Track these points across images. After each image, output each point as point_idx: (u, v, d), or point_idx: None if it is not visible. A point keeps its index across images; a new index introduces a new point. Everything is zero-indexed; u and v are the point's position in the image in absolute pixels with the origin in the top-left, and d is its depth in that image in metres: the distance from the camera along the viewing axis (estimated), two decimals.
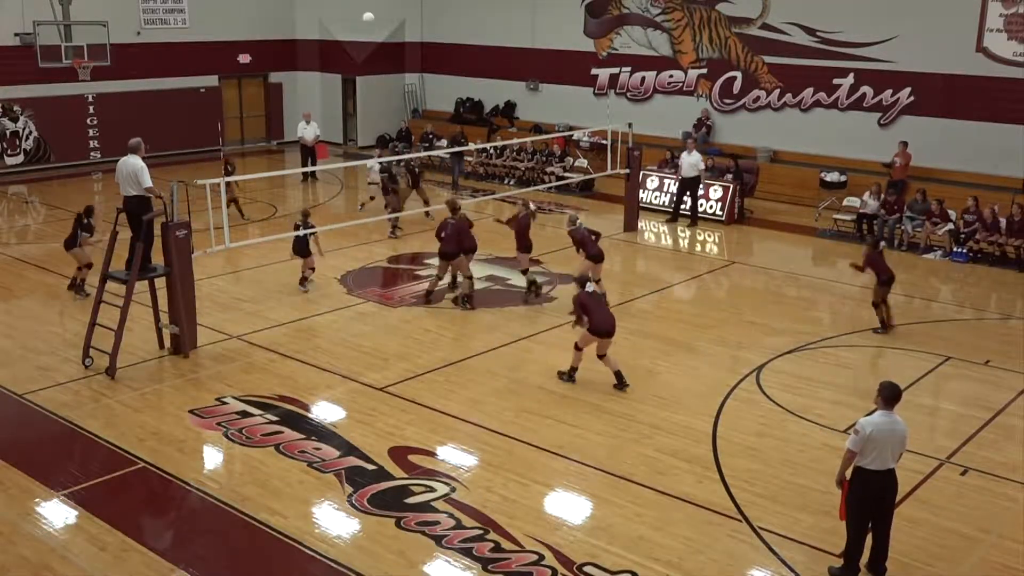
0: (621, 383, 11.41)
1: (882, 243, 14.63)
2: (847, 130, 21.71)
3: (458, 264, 14.43)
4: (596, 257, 13.98)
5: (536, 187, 22.70)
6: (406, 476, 9.36)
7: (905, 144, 19.98)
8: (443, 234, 14.21)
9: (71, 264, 14.79)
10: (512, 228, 15.00)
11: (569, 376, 11.60)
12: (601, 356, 11.37)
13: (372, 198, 20.44)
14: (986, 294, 16.20)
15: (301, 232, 14.83)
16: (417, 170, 19.85)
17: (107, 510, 8.68)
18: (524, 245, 14.75)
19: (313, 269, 15.23)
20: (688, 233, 19.80)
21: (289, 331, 13.38)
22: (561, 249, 16.96)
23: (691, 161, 19.96)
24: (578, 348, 11.45)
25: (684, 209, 20.35)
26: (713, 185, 20.62)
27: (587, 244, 14.03)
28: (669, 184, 21.13)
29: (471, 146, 21.73)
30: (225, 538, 8.43)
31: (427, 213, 19.47)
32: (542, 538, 8.29)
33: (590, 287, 11.49)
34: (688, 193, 20.15)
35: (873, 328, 13.62)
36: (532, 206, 15.15)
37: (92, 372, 11.75)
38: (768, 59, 22.86)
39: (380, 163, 18.75)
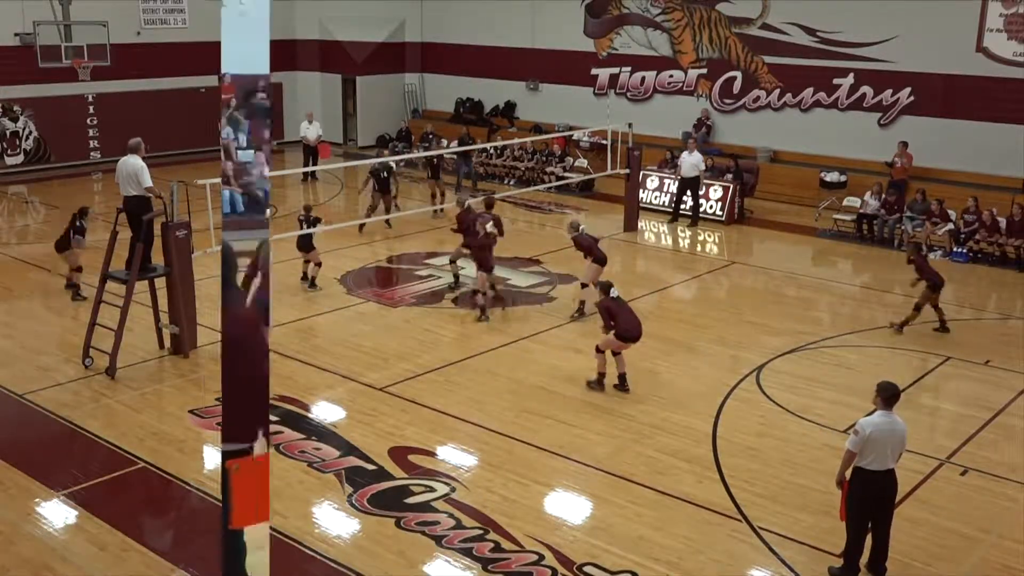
0: (623, 385, 11.39)
1: (923, 247, 14.45)
2: (847, 130, 21.70)
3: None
4: (602, 260, 13.96)
5: (536, 187, 22.72)
6: (406, 476, 9.37)
7: (905, 144, 19.97)
8: (475, 228, 14.18)
9: (67, 265, 14.77)
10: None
11: (598, 383, 11.45)
12: (616, 353, 11.38)
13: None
14: (986, 294, 16.20)
15: (308, 229, 14.80)
16: (436, 161, 19.83)
17: (107, 510, 8.69)
18: (486, 266, 14.04)
19: (319, 265, 15.21)
20: (688, 233, 19.81)
21: (289, 331, 13.38)
22: (561, 249, 16.96)
23: (692, 161, 19.95)
24: (599, 351, 11.40)
25: (684, 209, 20.37)
26: (713, 185, 20.61)
27: (592, 249, 13.99)
28: (669, 184, 21.12)
29: (478, 145, 21.69)
30: None
31: (441, 210, 19.56)
32: (542, 538, 8.29)
33: (614, 292, 11.41)
34: (689, 193, 20.16)
35: (895, 325, 13.48)
36: (489, 227, 14.22)
37: (92, 372, 11.75)
38: (768, 59, 22.85)
39: (378, 162, 18.73)
